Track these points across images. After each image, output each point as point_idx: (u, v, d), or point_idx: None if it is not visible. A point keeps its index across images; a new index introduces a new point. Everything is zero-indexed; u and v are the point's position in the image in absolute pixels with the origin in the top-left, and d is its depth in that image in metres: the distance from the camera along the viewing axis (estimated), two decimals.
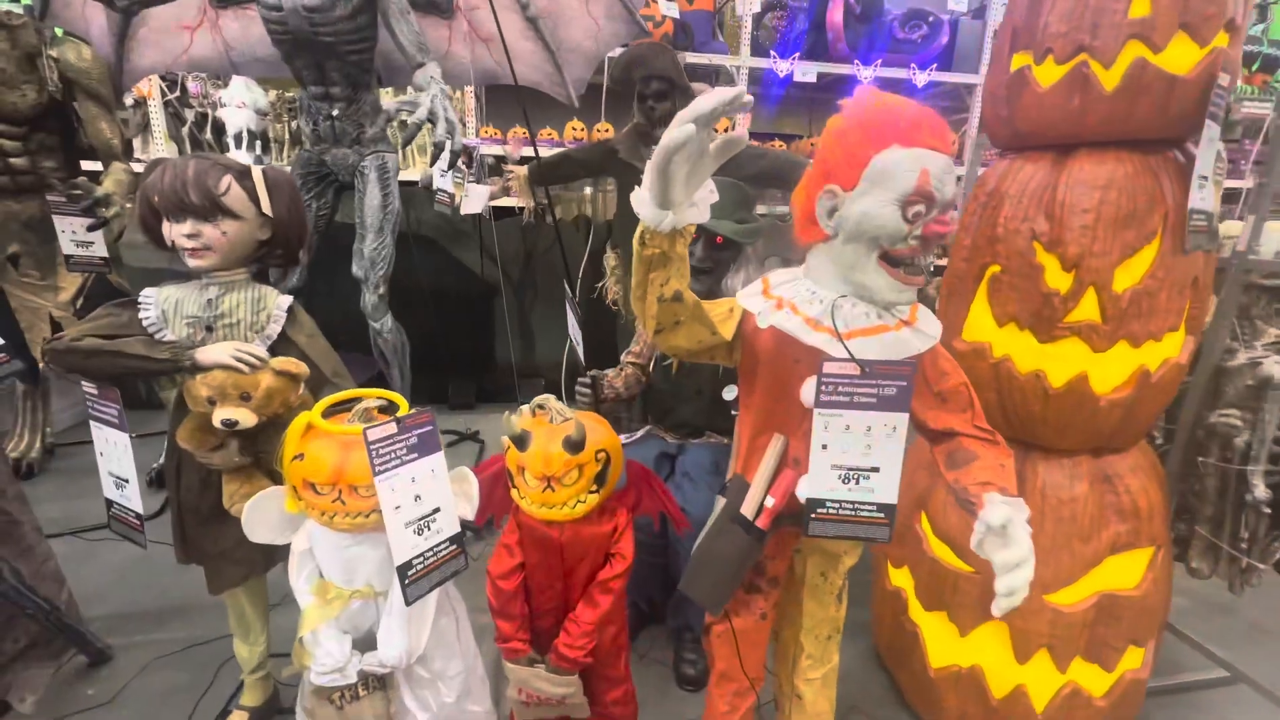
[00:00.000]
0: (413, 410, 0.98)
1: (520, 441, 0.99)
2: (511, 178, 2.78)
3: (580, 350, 1.58)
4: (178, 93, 3.08)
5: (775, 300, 0.89)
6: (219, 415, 0.99)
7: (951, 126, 0.82)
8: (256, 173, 1.07)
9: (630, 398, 1.67)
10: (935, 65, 3.25)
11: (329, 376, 1.12)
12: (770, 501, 0.92)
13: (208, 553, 1.16)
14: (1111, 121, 1.05)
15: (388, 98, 2.76)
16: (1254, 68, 3.58)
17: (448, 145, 1.62)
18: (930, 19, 3.17)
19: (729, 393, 1.00)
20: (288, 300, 1.12)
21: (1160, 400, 1.16)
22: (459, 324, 3.21)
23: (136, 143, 3.06)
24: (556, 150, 2.71)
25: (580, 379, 1.49)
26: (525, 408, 1.06)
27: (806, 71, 3.15)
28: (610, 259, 2.73)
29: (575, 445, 0.96)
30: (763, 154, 2.50)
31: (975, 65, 3.27)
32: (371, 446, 0.90)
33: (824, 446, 0.88)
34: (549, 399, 1.04)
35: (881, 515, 0.90)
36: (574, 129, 3.19)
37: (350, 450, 0.93)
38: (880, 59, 3.17)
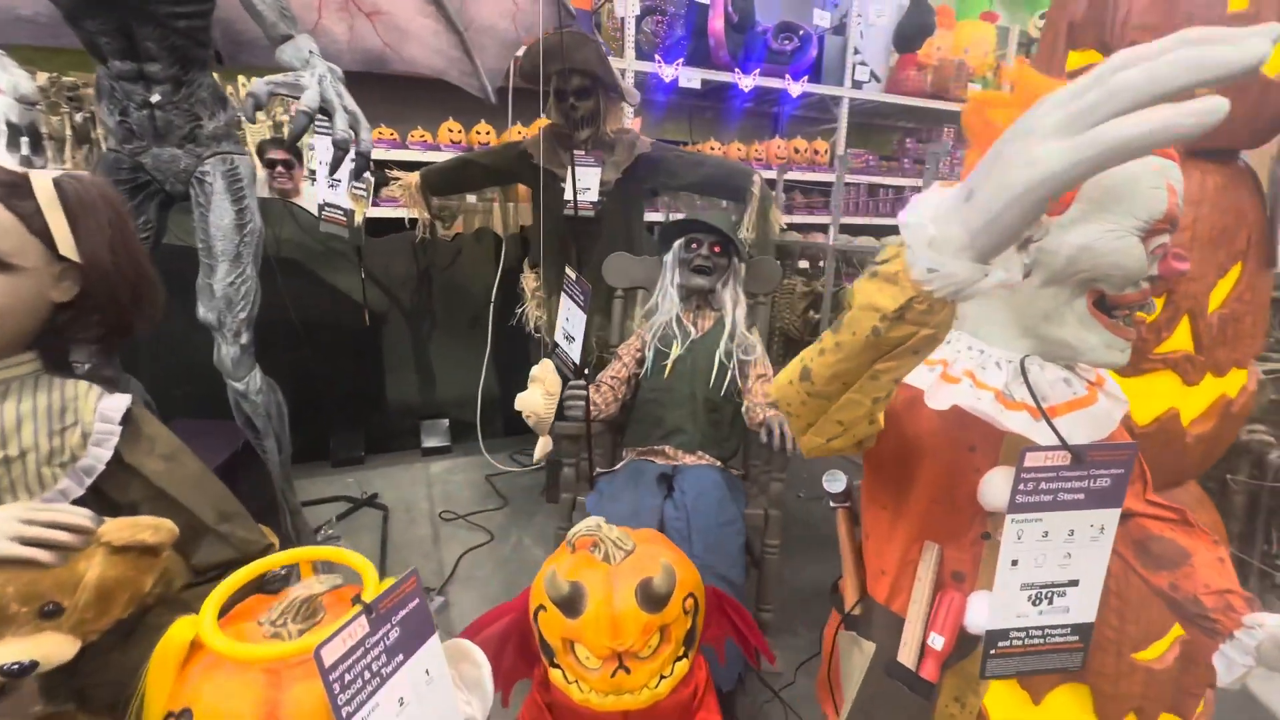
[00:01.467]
0: (390, 582, 0.59)
1: (571, 605, 0.63)
2: (399, 184, 2.32)
3: (575, 350, 1.27)
4: None
5: (938, 366, 0.63)
6: None
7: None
8: (42, 184, 0.60)
9: (607, 418, 1.54)
10: (808, 76, 3.35)
11: (211, 525, 0.66)
12: (939, 642, 0.67)
13: None
14: None
15: (231, 85, 2.16)
16: None
17: (352, 146, 1.16)
18: (800, 32, 3.28)
19: (834, 483, 0.73)
20: (121, 403, 0.64)
21: (1236, 431, 1.08)
22: (339, 363, 2.64)
23: None
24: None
25: (573, 384, 1.28)
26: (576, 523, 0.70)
27: (691, 78, 3.12)
28: (529, 279, 2.36)
29: (658, 600, 0.63)
30: (700, 161, 2.26)
31: (840, 78, 3.44)
32: (332, 677, 0.51)
33: (1014, 562, 0.65)
34: (599, 524, 0.69)
35: (1075, 638, 0.69)
36: (450, 130, 2.78)
37: (283, 685, 0.52)
38: (758, 68, 3.23)
